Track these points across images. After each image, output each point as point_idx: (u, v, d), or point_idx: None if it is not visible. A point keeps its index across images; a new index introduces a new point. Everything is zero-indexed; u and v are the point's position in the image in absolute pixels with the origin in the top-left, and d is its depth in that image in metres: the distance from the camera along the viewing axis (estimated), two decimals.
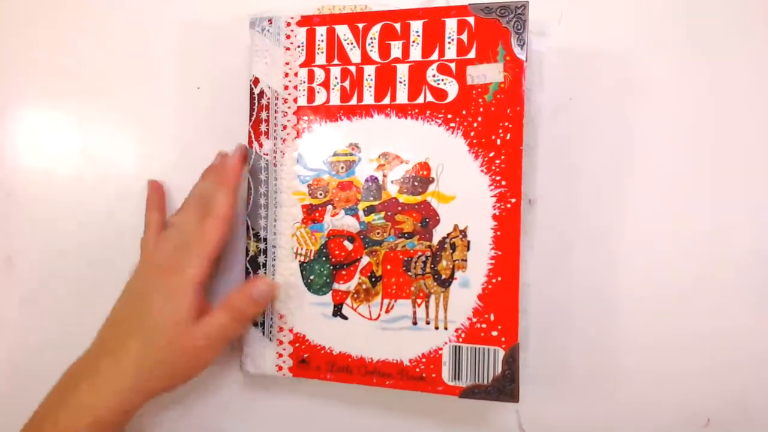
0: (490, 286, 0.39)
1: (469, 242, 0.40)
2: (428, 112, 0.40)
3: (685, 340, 0.42)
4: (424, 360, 0.40)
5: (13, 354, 0.46)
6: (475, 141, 0.39)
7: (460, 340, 0.40)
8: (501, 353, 0.39)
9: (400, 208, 0.41)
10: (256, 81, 0.43)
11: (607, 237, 0.42)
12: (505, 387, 0.39)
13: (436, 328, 0.40)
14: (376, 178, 0.41)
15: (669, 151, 0.42)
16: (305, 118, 0.42)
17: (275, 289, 0.41)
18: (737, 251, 0.41)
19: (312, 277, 0.42)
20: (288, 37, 0.43)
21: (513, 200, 0.39)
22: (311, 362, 0.42)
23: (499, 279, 0.39)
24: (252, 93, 0.43)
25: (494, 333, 0.39)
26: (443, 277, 0.40)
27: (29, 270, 0.47)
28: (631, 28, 0.42)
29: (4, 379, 0.44)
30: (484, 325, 0.39)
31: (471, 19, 0.39)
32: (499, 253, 0.39)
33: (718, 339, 0.41)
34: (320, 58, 0.42)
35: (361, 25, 0.41)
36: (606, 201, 0.42)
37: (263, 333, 0.43)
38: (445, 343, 0.40)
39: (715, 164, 0.42)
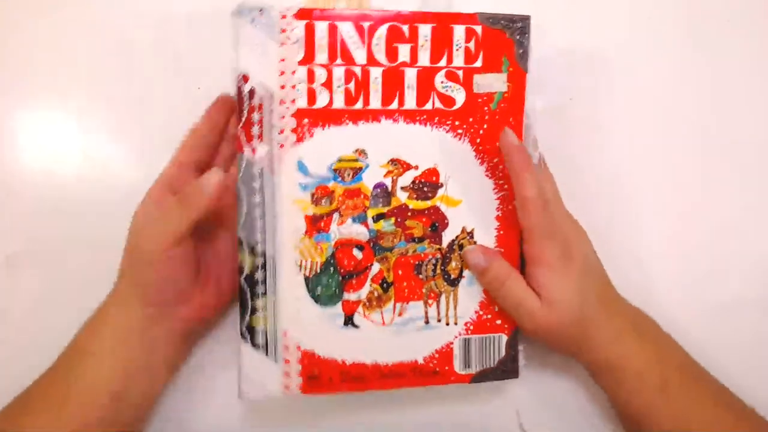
0: None
1: (475, 242, 0.42)
2: (436, 118, 0.41)
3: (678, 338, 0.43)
4: (437, 356, 0.42)
5: (13, 354, 0.44)
6: (480, 147, 0.41)
7: (469, 332, 0.43)
8: (504, 338, 0.43)
9: (410, 214, 0.41)
10: (245, 78, 0.38)
11: (608, 236, 0.43)
12: (508, 367, 0.43)
13: (447, 324, 0.42)
14: (384, 185, 0.41)
15: (669, 151, 0.45)
16: (306, 121, 0.39)
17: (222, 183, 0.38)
18: (739, 252, 0.46)
19: (319, 290, 0.40)
20: (283, 30, 0.38)
21: (515, 202, 0.42)
22: (322, 376, 0.41)
23: None
24: (240, 91, 0.38)
25: (498, 321, 0.43)
26: (452, 276, 0.42)
27: (29, 270, 0.45)
28: (631, 29, 0.44)
29: (4, 379, 0.39)
30: (489, 316, 0.43)
31: (478, 28, 0.40)
32: (502, 250, 0.42)
33: (716, 339, 0.44)
34: (321, 57, 0.39)
35: (366, 24, 0.39)
36: (606, 200, 0.45)
37: (266, 354, 0.40)
38: (456, 336, 0.42)
39: (717, 164, 0.44)
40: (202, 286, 0.41)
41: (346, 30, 0.39)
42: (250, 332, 0.40)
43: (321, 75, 0.39)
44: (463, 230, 0.42)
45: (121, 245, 0.40)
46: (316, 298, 0.41)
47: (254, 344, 0.40)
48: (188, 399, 0.45)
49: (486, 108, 0.41)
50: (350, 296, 0.41)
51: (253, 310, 0.40)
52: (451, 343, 0.42)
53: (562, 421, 0.47)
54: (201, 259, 0.41)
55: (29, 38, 0.45)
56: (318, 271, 0.40)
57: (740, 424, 0.40)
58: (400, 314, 0.42)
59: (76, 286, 0.43)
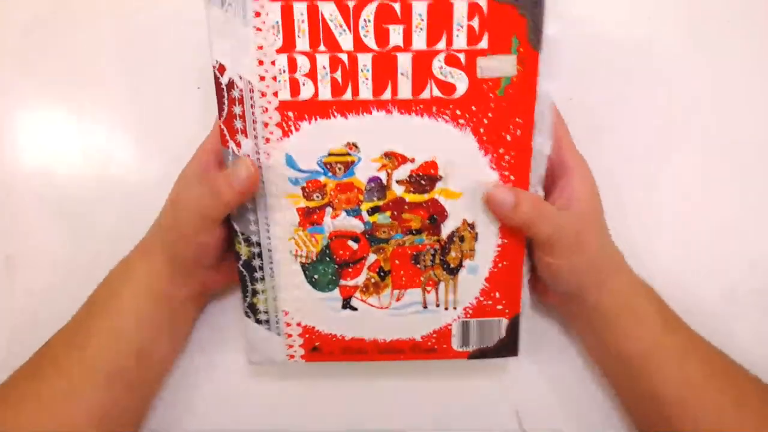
0: (496, 270, 0.41)
1: (477, 234, 0.40)
2: (435, 108, 0.36)
3: None
4: (435, 335, 0.43)
5: (12, 354, 0.44)
6: (485, 138, 0.37)
7: (468, 316, 0.42)
8: (505, 322, 0.43)
9: (406, 207, 0.39)
10: (221, 69, 0.36)
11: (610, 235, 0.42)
12: (507, 346, 0.43)
13: (446, 308, 0.42)
14: (379, 179, 0.38)
15: (669, 151, 0.43)
16: (291, 114, 0.37)
17: (253, 178, 0.37)
18: (739, 251, 0.44)
19: (316, 277, 0.41)
20: (257, 14, 0.34)
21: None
22: (323, 349, 0.43)
23: (505, 263, 0.41)
24: (218, 83, 0.36)
25: (499, 307, 0.42)
26: (452, 266, 0.41)
27: (29, 270, 0.46)
28: (630, 29, 0.41)
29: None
30: (490, 302, 0.42)
31: (483, 3, 0.34)
32: (506, 241, 0.40)
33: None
34: (302, 43, 0.35)
35: (351, 4, 0.34)
36: (604, 201, 0.41)
37: (269, 329, 0.43)
38: (454, 319, 0.42)
39: (717, 164, 0.43)
40: (229, 258, 0.42)
41: (329, 11, 0.34)
42: (252, 311, 0.42)
43: (303, 64, 0.36)
44: (464, 222, 0.40)
45: (120, 245, 0.41)
46: (314, 284, 0.41)
47: (257, 321, 0.42)
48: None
49: (492, 95, 0.36)
50: (347, 282, 0.41)
51: (254, 293, 0.42)
52: (450, 324, 0.43)
53: (562, 412, 0.48)
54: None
55: (29, 38, 0.45)
56: (314, 259, 0.41)
57: (734, 367, 0.41)
58: (397, 299, 0.42)
59: (76, 285, 0.44)
